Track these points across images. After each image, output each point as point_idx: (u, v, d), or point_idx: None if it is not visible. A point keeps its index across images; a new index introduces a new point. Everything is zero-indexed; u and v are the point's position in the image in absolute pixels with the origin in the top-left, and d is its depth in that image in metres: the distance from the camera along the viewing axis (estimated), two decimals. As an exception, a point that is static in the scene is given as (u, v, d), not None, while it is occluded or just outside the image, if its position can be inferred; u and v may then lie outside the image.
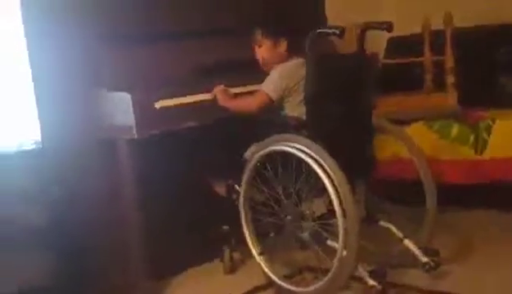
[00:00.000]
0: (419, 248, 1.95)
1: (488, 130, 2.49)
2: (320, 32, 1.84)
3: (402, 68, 3.02)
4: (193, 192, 2.24)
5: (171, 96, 2.01)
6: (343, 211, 1.69)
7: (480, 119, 2.55)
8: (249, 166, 1.97)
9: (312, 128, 1.87)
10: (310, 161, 1.75)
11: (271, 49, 2.05)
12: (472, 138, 2.51)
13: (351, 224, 1.69)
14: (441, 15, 2.75)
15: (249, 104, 2.04)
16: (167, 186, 2.11)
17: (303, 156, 1.77)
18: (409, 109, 2.71)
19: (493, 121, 2.51)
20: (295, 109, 1.99)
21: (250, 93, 2.11)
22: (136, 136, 1.88)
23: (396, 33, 2.13)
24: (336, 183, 1.70)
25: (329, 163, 1.72)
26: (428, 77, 2.84)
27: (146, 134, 1.91)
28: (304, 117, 1.91)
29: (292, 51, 2.04)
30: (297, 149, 1.80)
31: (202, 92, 2.10)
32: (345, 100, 1.91)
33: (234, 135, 2.11)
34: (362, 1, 3.34)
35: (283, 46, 2.05)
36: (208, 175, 2.22)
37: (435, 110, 2.67)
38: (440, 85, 2.78)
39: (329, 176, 1.71)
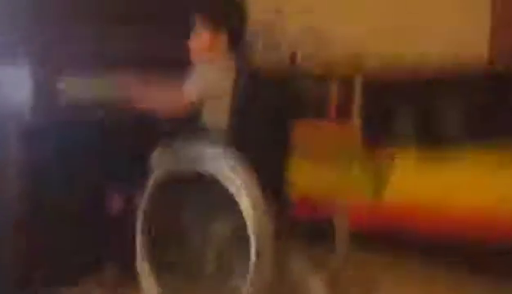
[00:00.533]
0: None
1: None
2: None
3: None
4: (86, 200, 1.94)
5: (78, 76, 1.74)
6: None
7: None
8: (153, 180, 1.63)
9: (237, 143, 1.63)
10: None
11: (210, 40, 1.76)
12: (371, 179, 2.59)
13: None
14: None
15: (174, 102, 1.69)
16: (58, 189, 1.82)
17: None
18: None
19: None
20: (213, 117, 1.73)
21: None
22: (28, 120, 1.61)
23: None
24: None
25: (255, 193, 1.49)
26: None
27: (42, 119, 1.64)
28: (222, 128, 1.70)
29: (229, 49, 1.77)
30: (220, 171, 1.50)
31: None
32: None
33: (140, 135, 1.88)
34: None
35: (223, 40, 1.77)
36: (105, 182, 1.93)
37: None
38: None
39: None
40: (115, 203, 1.87)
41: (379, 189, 2.56)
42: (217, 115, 1.71)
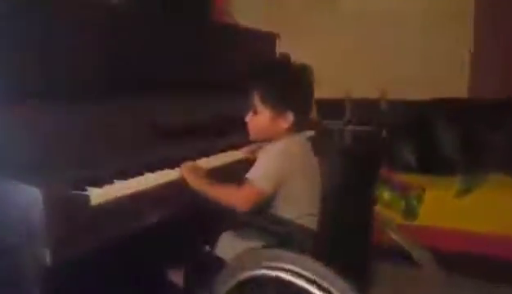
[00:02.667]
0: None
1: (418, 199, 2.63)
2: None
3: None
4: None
5: (109, 181, 1.32)
6: None
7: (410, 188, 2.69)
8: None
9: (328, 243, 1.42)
10: None
11: (271, 121, 1.50)
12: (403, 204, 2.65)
13: None
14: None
15: (236, 197, 1.43)
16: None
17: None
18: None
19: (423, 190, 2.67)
20: (288, 208, 1.47)
21: (229, 172, 1.65)
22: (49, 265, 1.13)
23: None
24: None
25: None
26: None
27: (69, 255, 1.18)
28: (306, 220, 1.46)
29: (294, 128, 1.52)
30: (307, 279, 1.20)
31: (160, 168, 1.50)
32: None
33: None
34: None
35: (288, 121, 1.49)
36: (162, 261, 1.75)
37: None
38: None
39: None
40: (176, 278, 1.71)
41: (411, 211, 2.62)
42: (295, 204, 1.47)
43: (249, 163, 1.52)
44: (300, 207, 1.49)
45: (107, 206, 1.26)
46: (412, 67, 3.49)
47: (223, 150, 1.85)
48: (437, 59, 3.48)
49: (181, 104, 1.84)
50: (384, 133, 3.07)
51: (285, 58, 1.62)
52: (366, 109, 3.39)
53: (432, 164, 3.09)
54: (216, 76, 2.10)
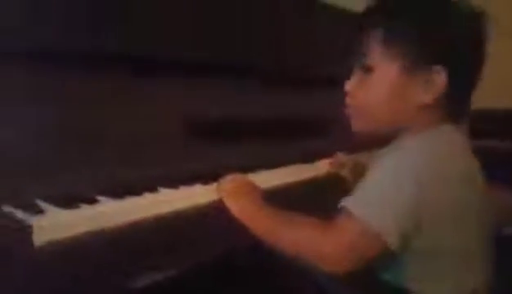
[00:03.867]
0: None
1: None
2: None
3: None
4: None
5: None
6: None
7: None
8: None
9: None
10: None
11: (401, 87, 0.78)
12: None
13: None
14: None
15: (321, 244, 0.73)
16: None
17: None
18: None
19: None
20: (428, 277, 0.75)
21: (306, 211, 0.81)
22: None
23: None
24: None
25: None
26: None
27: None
28: None
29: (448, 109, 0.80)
30: None
31: (189, 183, 0.90)
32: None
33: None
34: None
35: (435, 89, 0.76)
36: None
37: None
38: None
39: None
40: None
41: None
42: (442, 271, 0.74)
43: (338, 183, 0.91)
44: (456, 276, 0.75)
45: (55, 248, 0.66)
46: None
47: (294, 160, 1.18)
48: None
49: (234, 92, 1.20)
50: None
51: None
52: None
53: None
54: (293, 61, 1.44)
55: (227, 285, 1.09)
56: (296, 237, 0.76)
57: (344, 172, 1.15)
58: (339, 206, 0.74)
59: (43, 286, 0.64)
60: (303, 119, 1.37)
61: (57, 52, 0.85)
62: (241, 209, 0.84)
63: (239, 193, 0.87)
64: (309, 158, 1.23)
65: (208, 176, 0.92)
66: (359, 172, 1.02)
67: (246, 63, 1.21)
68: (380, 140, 0.83)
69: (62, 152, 0.83)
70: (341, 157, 1.20)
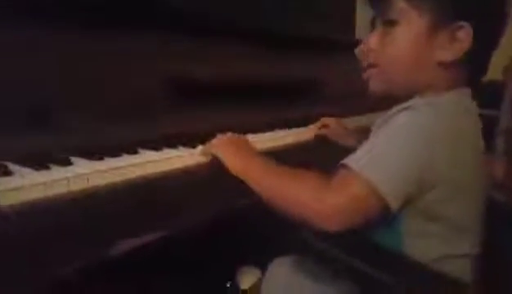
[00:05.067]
0: None
1: None
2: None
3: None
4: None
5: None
6: None
7: None
8: None
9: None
10: None
11: (425, 45, 0.73)
12: None
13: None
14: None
15: (320, 200, 0.68)
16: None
17: None
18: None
19: None
20: (424, 238, 0.72)
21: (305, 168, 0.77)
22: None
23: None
24: None
25: None
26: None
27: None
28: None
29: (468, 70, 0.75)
30: None
31: (173, 146, 0.87)
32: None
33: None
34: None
35: (460, 46, 0.71)
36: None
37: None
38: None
39: None
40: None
41: None
42: (438, 233, 0.72)
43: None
44: (449, 241, 0.72)
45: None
46: None
47: (289, 124, 1.15)
48: None
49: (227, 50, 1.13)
50: None
51: None
52: None
53: None
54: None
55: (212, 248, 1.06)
56: (297, 189, 0.72)
57: (330, 134, 1.16)
58: (341, 162, 0.70)
59: (9, 252, 0.59)
60: (295, 83, 1.33)
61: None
62: (239, 161, 0.81)
63: (235, 147, 0.85)
64: (301, 122, 1.20)
65: (195, 139, 0.89)
66: (342, 135, 1.14)
67: (235, 24, 1.15)
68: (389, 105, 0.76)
69: (34, 111, 0.78)
70: (326, 119, 1.21)
